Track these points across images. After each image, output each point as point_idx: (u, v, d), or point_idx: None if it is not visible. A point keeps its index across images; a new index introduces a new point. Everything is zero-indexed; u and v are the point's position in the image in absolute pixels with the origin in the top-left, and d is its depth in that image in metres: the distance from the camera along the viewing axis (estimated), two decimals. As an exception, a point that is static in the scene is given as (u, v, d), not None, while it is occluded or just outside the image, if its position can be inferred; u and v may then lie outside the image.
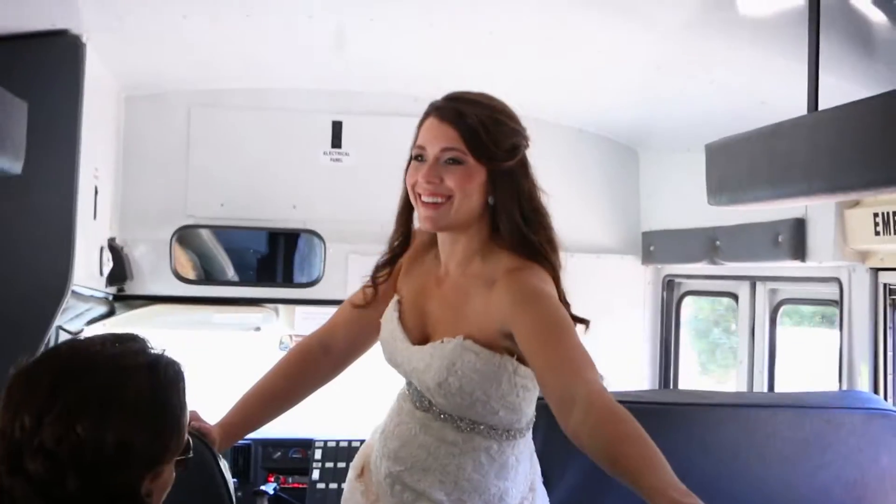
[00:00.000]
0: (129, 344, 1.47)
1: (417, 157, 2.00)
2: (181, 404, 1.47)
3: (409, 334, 2.07)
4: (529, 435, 2.10)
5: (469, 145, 1.95)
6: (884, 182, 1.79)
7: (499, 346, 1.95)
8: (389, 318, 2.11)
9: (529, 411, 2.05)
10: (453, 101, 1.99)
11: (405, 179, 2.04)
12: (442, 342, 1.99)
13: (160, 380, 1.44)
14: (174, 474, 1.49)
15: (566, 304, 1.99)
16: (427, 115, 2.01)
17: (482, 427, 2.00)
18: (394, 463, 2.05)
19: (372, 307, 2.17)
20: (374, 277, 2.16)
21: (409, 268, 2.16)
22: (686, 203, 3.60)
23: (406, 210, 2.09)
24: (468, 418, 2.00)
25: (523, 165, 2.00)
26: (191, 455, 1.51)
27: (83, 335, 3.10)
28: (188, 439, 1.50)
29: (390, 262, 2.15)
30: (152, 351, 1.47)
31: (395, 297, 2.13)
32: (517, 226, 1.97)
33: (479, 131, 1.95)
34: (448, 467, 2.00)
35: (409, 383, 2.10)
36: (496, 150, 1.96)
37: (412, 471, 2.03)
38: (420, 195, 1.99)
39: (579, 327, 1.96)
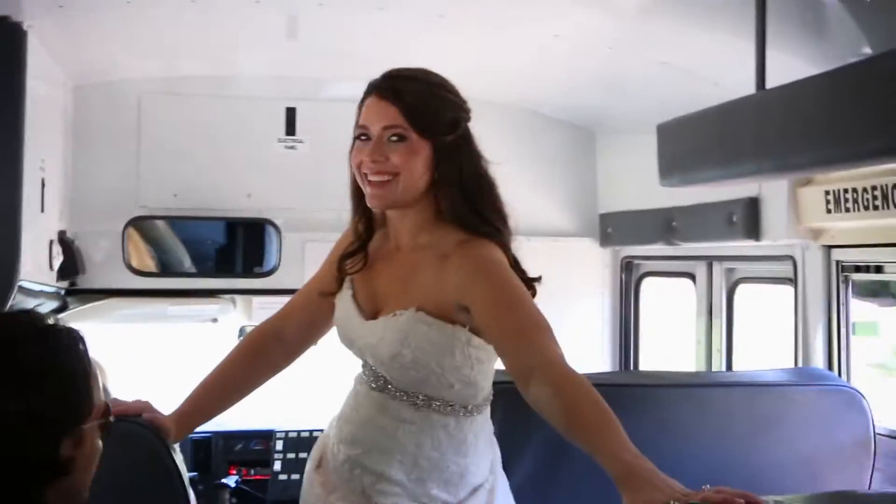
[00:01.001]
0: (19, 317, 1.50)
1: (361, 136, 2.00)
2: (83, 367, 1.47)
3: (362, 311, 2.07)
4: (487, 413, 2.10)
5: (411, 121, 1.95)
6: (831, 160, 1.80)
7: (452, 319, 1.95)
8: (344, 297, 2.11)
9: (486, 386, 2.06)
10: (392, 79, 1.99)
11: (350, 161, 2.02)
12: (395, 315, 1.99)
13: (54, 346, 1.45)
14: (100, 442, 1.49)
15: (521, 271, 2.01)
16: (367, 93, 2.01)
17: (438, 403, 2.00)
18: (351, 446, 2.05)
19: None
20: (342, 266, 2.12)
21: None
22: (643, 184, 3.58)
23: (359, 193, 2.06)
24: (424, 394, 2.00)
25: (466, 139, 2.01)
26: (111, 419, 1.51)
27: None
28: (106, 404, 1.51)
29: (361, 248, 2.12)
30: (45, 321, 1.48)
31: (349, 277, 2.12)
32: (458, 200, 1.98)
33: (419, 107, 1.95)
34: (407, 447, 2.01)
35: (364, 364, 2.09)
36: (438, 124, 1.97)
37: (371, 453, 2.03)
38: (366, 174, 1.99)
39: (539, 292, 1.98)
